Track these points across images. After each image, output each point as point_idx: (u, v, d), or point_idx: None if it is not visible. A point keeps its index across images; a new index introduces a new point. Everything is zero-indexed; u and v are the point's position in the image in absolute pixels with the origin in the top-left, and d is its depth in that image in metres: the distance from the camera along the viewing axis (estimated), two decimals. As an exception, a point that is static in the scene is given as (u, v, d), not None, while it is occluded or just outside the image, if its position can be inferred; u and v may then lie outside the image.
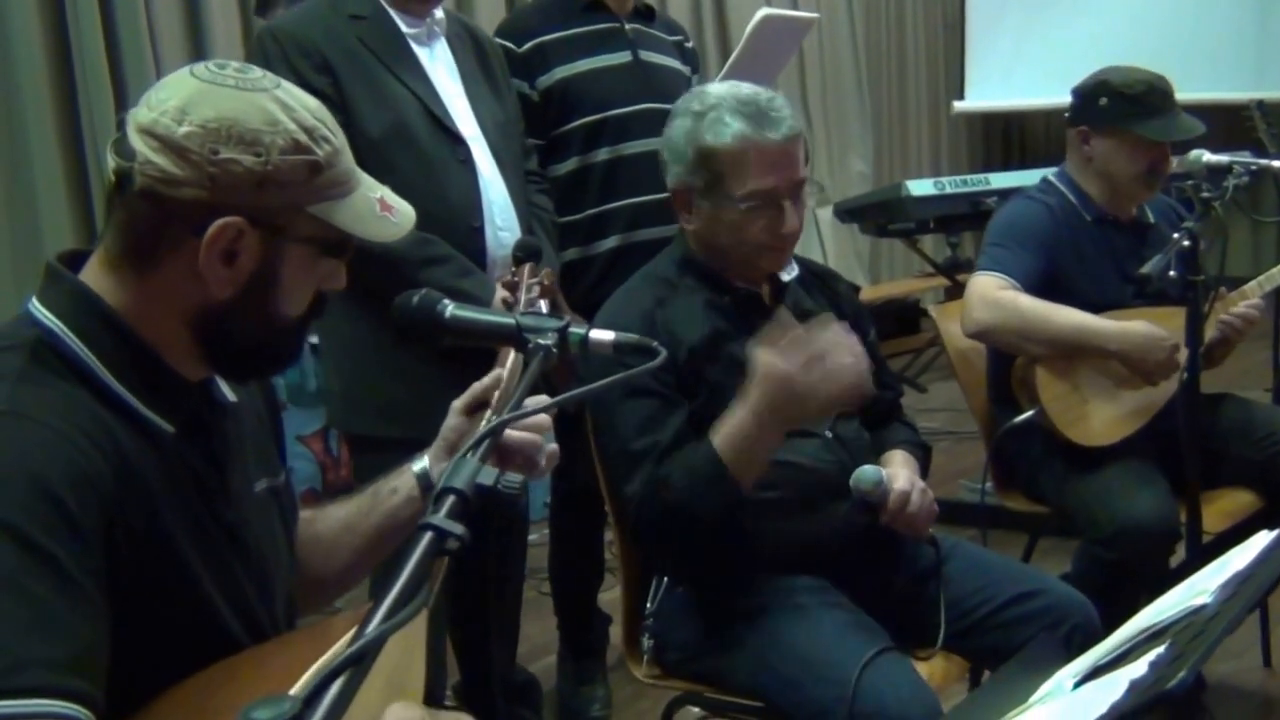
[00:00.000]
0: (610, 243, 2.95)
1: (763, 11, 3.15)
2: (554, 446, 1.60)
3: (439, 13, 2.59)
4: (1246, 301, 2.91)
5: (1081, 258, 2.89)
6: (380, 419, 2.51)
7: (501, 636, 2.85)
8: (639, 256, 2.68)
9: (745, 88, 2.22)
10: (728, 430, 2.03)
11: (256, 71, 1.34)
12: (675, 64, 3.09)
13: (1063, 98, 3.01)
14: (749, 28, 3.13)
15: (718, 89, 2.23)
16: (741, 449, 2.03)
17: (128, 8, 3.94)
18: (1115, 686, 1.14)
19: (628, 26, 3.01)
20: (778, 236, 2.19)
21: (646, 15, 3.09)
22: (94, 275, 1.33)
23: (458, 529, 1.08)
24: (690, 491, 2.05)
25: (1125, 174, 2.87)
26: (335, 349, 2.63)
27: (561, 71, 2.91)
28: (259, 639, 1.40)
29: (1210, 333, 2.86)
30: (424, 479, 1.60)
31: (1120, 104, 2.84)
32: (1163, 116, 2.83)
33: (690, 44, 3.24)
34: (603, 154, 2.93)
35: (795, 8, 6.23)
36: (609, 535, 3.18)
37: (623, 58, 2.97)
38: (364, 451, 2.65)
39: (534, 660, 3.31)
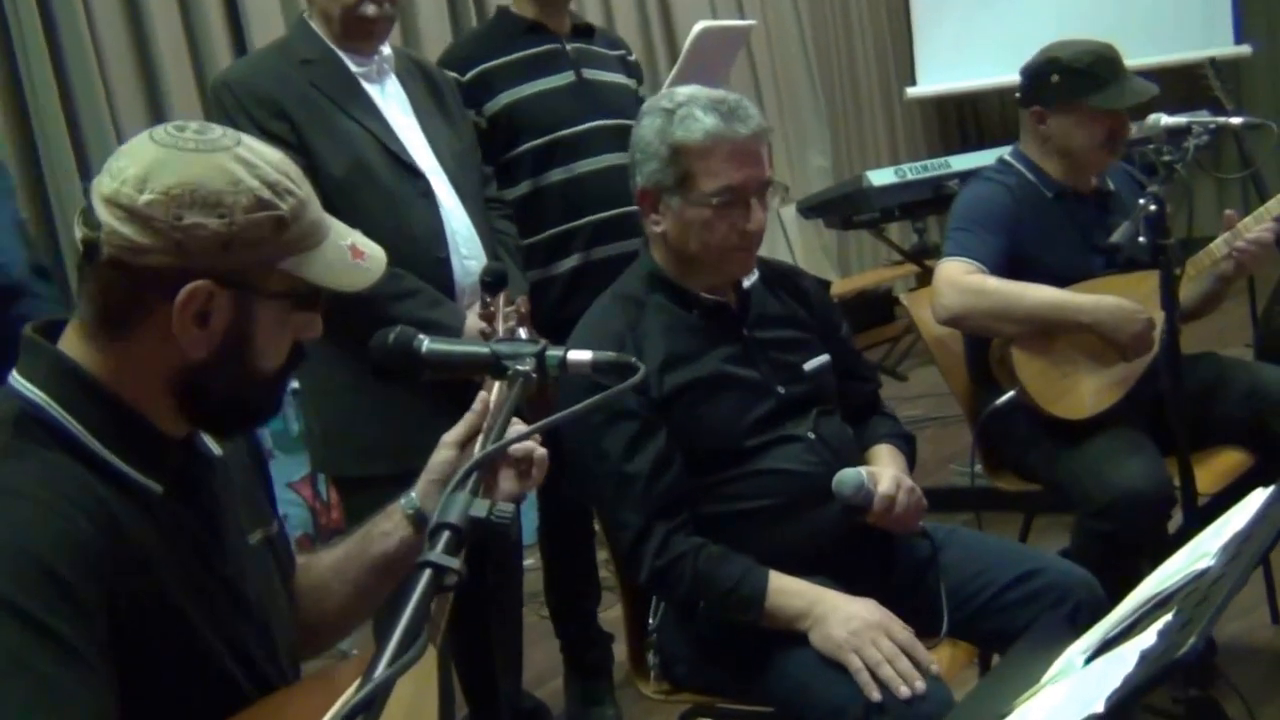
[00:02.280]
0: (571, 262, 2.95)
1: (700, 25, 3.16)
2: (542, 451, 1.59)
3: (386, 49, 2.61)
4: (1261, 226, 2.83)
5: (1045, 233, 2.89)
6: (364, 458, 2.51)
7: (506, 664, 2.83)
8: (601, 273, 2.68)
9: (714, 90, 2.23)
10: (788, 588, 2.08)
11: (216, 130, 1.34)
12: (620, 79, 3.09)
13: (1014, 75, 3.01)
14: (688, 41, 3.14)
15: (687, 89, 2.24)
16: (780, 610, 2.07)
17: (83, 77, 3.93)
18: (1127, 659, 1.14)
19: (569, 46, 3.01)
20: (744, 235, 2.19)
21: (586, 33, 3.10)
22: (71, 344, 1.33)
23: (455, 564, 1.08)
24: (710, 590, 2.10)
25: (1085, 146, 2.87)
26: (314, 391, 2.63)
27: (507, 96, 2.91)
28: (264, 689, 1.40)
29: (1224, 265, 2.85)
30: (416, 515, 1.58)
31: (1071, 79, 2.84)
32: (1114, 84, 2.83)
33: (633, 57, 3.24)
34: (556, 174, 2.93)
35: (741, 13, 6.24)
36: (603, 554, 3.17)
37: (566, 78, 2.97)
38: (351, 492, 2.65)
39: (540, 685, 3.30)
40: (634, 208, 2.30)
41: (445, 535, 1.10)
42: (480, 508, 1.13)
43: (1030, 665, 1.43)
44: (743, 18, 6.04)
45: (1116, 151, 2.90)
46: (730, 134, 2.15)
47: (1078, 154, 2.90)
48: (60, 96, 3.88)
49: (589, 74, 3.01)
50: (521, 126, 2.92)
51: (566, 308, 2.77)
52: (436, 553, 1.08)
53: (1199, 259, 2.87)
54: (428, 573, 1.07)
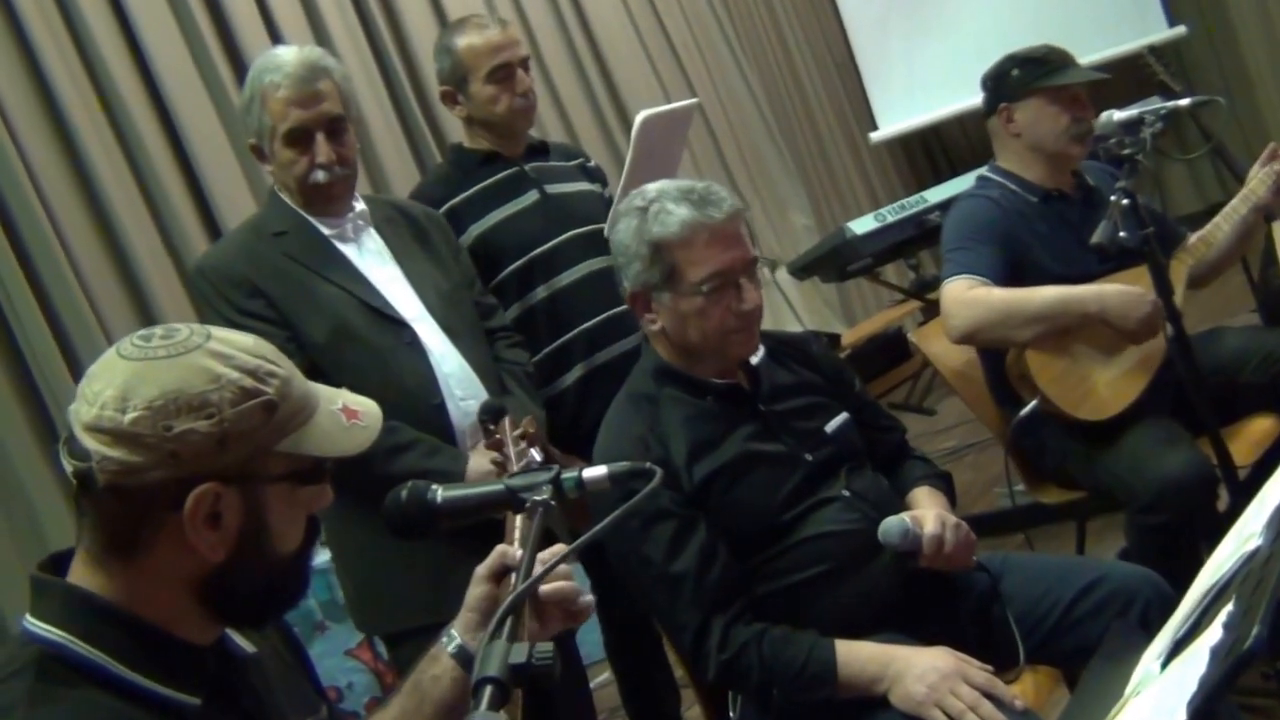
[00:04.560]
0: (576, 373, 2.95)
1: (641, 115, 3.19)
2: (588, 598, 1.57)
3: (359, 205, 2.62)
4: None
5: (1039, 238, 2.91)
6: (401, 612, 2.49)
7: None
8: (608, 377, 2.69)
9: (680, 181, 2.25)
10: (858, 654, 2.06)
11: (184, 331, 1.33)
12: (584, 186, 3.12)
13: (967, 101, 3.06)
14: (633, 134, 3.17)
15: (656, 185, 2.26)
16: (854, 679, 2.04)
17: (61, 288, 3.90)
18: (1199, 658, 1.13)
19: (527, 167, 3.04)
20: (741, 316, 2.19)
21: (541, 150, 3.13)
22: (82, 575, 1.31)
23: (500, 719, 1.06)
24: (781, 675, 2.07)
25: (1054, 132, 2.92)
26: (340, 555, 2.63)
27: (476, 229, 2.94)
28: None
29: (1261, 194, 2.88)
30: (461, 656, 1.54)
31: (1029, 68, 2.93)
32: (1068, 68, 2.94)
33: (593, 163, 3.28)
34: (540, 293, 2.95)
35: (691, 92, 6.31)
36: (674, 653, 3.13)
37: (531, 198, 3.00)
38: (400, 646, 2.62)
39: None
40: (622, 308, 2.30)
41: (488, 691, 1.09)
42: (519, 653, 1.12)
43: (1110, 680, 1.41)
44: (693, 97, 6.10)
45: (1085, 138, 2.94)
46: (706, 220, 2.16)
47: (1049, 144, 2.94)
48: (43, 313, 3.83)
49: (552, 189, 3.03)
50: (498, 254, 2.94)
51: (582, 419, 2.79)
52: (481, 712, 1.07)
53: (1228, 211, 2.90)
54: None
